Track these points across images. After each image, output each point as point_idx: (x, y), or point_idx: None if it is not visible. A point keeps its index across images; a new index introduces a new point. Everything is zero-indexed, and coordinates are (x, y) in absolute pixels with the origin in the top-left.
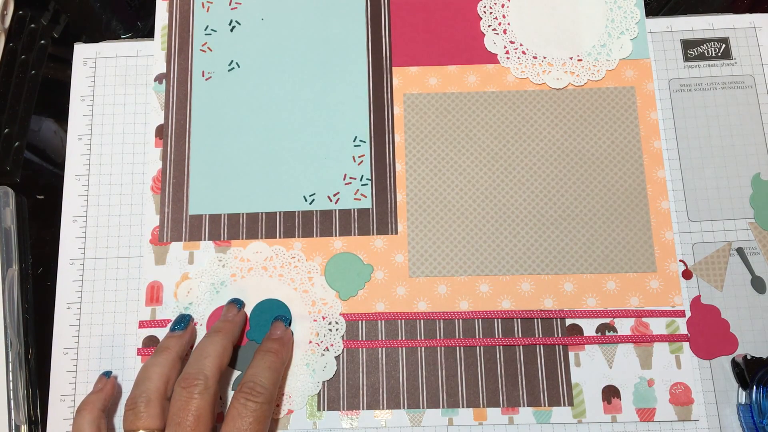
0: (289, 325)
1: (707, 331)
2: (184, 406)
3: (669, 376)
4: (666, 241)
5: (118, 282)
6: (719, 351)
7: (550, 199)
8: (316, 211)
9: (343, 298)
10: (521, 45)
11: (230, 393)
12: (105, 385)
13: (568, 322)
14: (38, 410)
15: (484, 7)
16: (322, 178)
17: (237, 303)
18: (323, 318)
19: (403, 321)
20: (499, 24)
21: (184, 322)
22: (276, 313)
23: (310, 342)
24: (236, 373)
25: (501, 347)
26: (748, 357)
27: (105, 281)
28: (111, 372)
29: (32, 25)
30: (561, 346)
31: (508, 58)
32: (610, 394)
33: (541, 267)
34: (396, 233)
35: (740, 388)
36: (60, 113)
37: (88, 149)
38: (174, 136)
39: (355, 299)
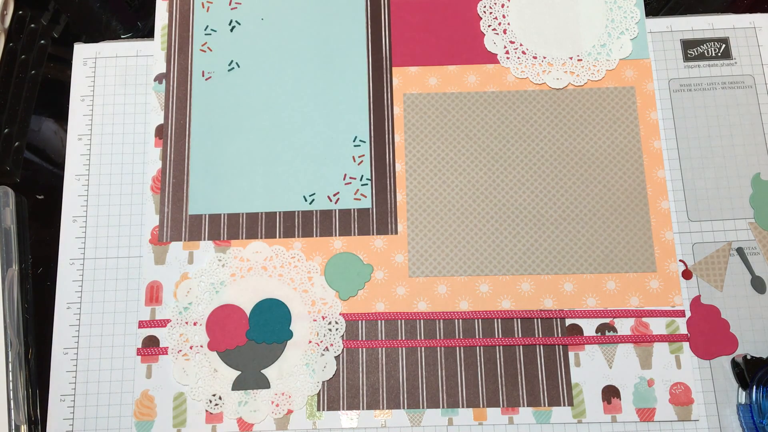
0: (289, 324)
1: (707, 331)
2: None
3: (669, 376)
4: (666, 241)
5: (118, 282)
6: (719, 351)
7: (550, 199)
8: (316, 211)
9: (342, 298)
10: (521, 45)
11: (230, 393)
12: None
13: (568, 322)
14: (38, 410)
15: (484, 7)
16: (322, 178)
17: None
18: (323, 318)
19: (403, 321)
20: (499, 24)
21: None
22: (276, 313)
23: (310, 342)
24: (236, 373)
25: (501, 347)
26: (748, 357)
27: (105, 281)
28: None
29: (32, 25)
30: (561, 346)
31: (508, 58)
32: (610, 394)
33: (541, 267)
34: (396, 233)
35: (740, 388)
36: (60, 113)
37: (88, 149)
38: (174, 136)
39: (354, 299)
